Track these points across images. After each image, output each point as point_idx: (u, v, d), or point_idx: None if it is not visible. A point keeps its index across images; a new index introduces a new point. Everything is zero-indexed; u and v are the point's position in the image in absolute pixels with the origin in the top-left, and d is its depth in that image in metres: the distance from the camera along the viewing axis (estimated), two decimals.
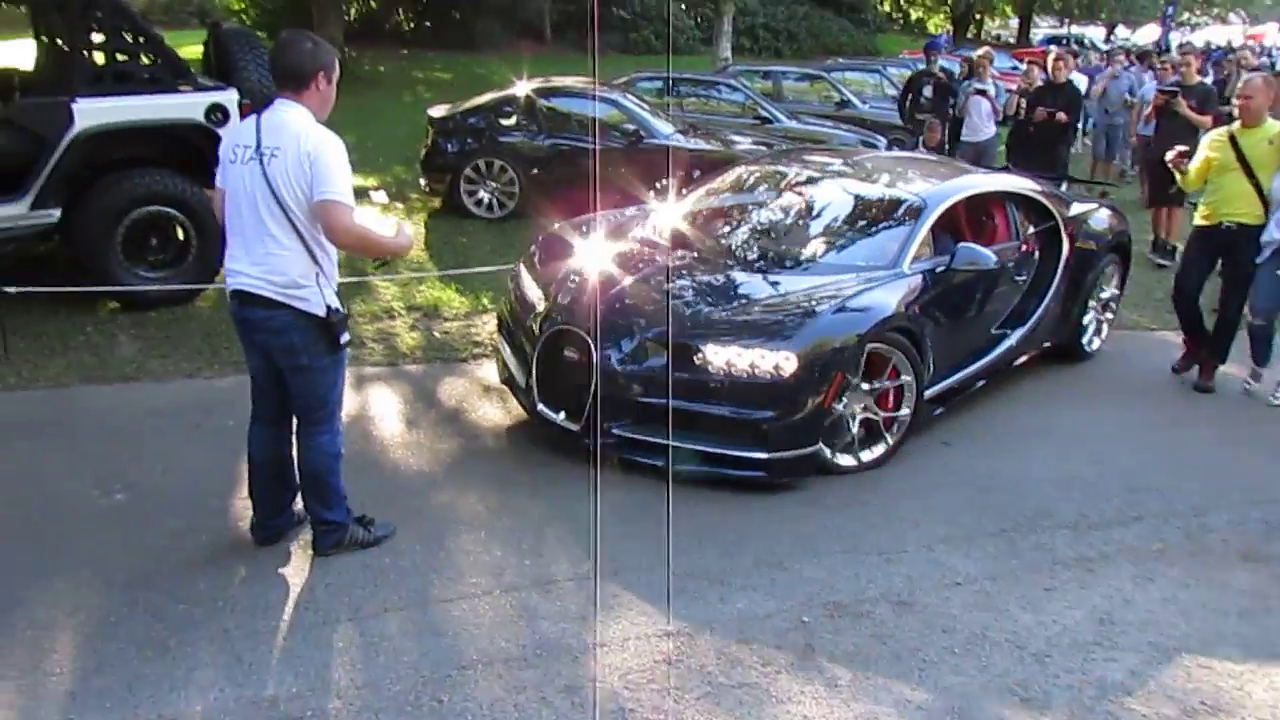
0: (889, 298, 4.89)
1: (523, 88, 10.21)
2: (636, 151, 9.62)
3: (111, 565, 3.77)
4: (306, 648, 3.34)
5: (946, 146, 10.93)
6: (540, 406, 4.86)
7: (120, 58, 6.56)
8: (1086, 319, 6.56)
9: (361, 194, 9.88)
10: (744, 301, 4.95)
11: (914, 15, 42.15)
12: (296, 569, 3.82)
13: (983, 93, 10.35)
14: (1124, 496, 4.74)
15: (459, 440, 5.06)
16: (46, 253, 6.99)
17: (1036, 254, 6.23)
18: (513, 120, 10.02)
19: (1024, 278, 6.11)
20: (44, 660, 3.24)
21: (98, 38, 6.54)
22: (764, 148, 9.79)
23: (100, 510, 4.21)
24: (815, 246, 5.54)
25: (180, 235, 6.66)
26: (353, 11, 28.73)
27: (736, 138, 10.55)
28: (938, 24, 40.93)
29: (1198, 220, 6.18)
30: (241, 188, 3.46)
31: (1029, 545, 4.25)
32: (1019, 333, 5.94)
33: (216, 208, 3.70)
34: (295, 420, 3.80)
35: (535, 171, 9.81)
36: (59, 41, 6.90)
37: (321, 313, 3.53)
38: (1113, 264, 6.73)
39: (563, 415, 4.77)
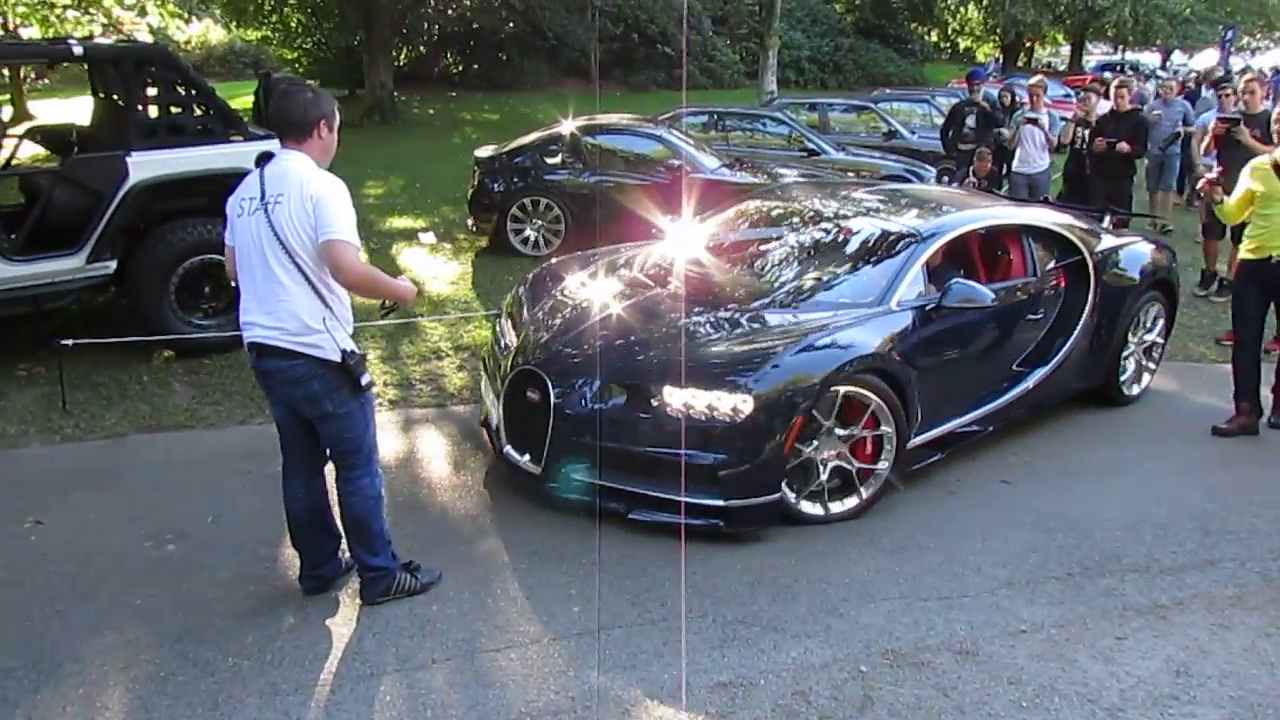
0: (867, 337, 4.59)
1: (567, 126, 10.29)
2: (681, 186, 9.59)
3: (163, 618, 3.77)
4: (354, 702, 3.30)
5: (1000, 176, 10.76)
6: (506, 448, 4.78)
7: (173, 110, 6.69)
8: (1125, 360, 6.13)
9: (411, 235, 10.00)
10: (709, 340, 4.69)
11: (963, 44, 41.89)
12: (344, 618, 3.78)
13: (1034, 122, 10.15)
14: (1197, 539, 4.53)
15: (507, 483, 5.00)
16: (102, 304, 7.11)
17: (1061, 290, 5.83)
18: (558, 158, 10.07)
19: (1041, 315, 5.70)
20: (95, 718, 3.23)
21: (151, 92, 6.68)
22: (810, 179, 9.70)
23: (152, 561, 4.21)
24: (799, 283, 5.24)
25: (232, 282, 6.73)
26: (402, 56, 29.32)
27: (783, 170, 10.49)
28: (987, 52, 40.62)
29: (1244, 254, 5.84)
30: (249, 239, 3.48)
31: (1097, 590, 4.08)
32: (1038, 374, 5.59)
33: (228, 266, 3.70)
34: (334, 468, 3.79)
35: (581, 208, 9.85)
36: (114, 97, 7.05)
37: (337, 358, 3.52)
38: (1154, 301, 6.25)
39: (527, 458, 4.66)
